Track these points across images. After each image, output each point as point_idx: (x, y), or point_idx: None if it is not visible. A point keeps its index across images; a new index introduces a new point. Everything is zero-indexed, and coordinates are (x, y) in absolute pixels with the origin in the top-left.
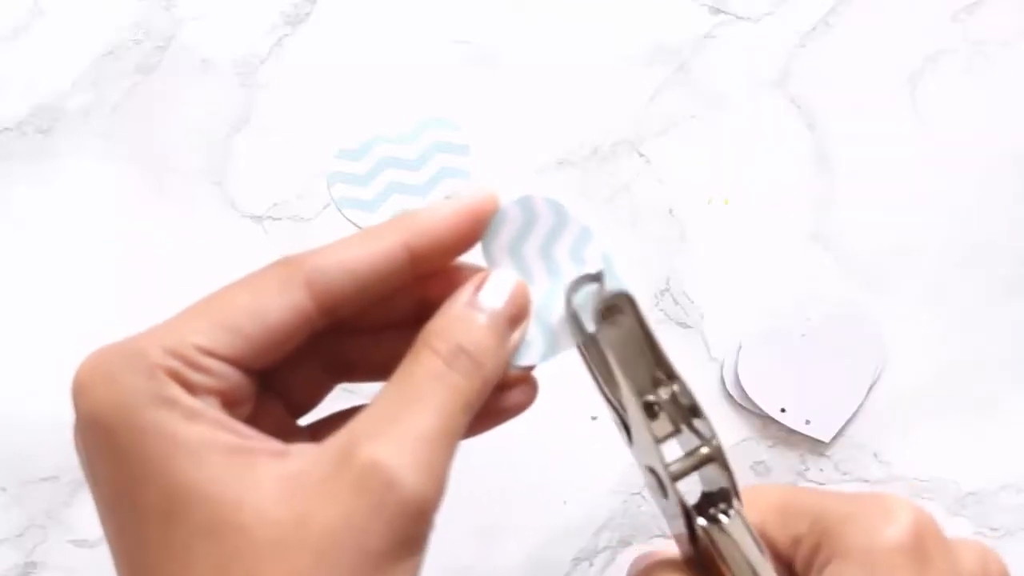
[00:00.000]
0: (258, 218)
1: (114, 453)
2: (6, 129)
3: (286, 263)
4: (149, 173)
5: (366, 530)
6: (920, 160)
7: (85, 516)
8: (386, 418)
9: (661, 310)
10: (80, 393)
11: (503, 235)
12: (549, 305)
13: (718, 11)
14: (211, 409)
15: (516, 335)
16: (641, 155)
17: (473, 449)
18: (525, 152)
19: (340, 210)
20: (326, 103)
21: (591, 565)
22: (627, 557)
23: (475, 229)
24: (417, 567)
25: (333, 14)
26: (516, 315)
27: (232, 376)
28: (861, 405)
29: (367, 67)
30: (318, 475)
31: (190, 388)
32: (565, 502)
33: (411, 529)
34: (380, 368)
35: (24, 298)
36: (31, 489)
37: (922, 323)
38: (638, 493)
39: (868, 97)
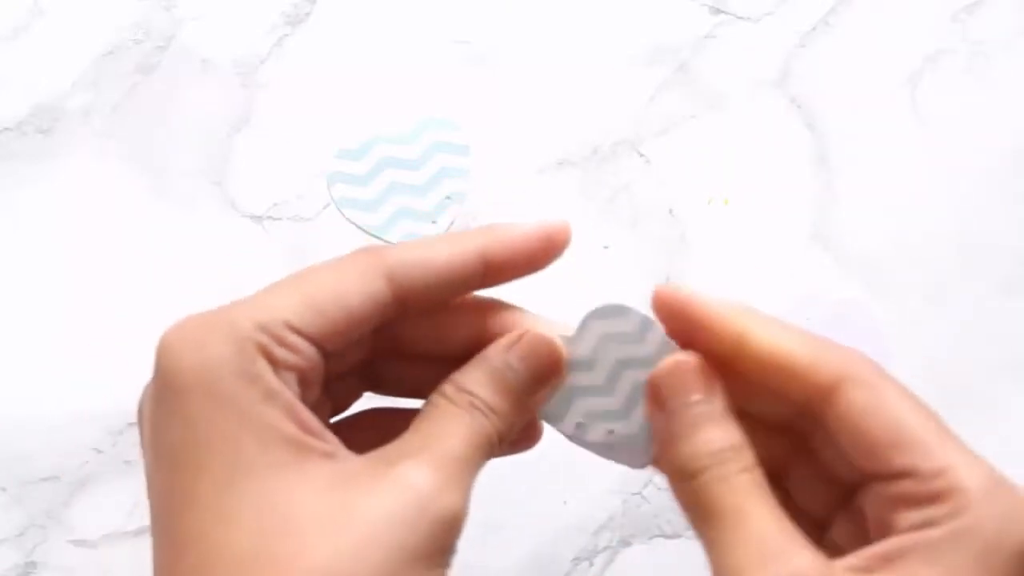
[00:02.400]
0: (258, 218)
1: (187, 415)
2: (6, 129)
3: (370, 252)
4: (149, 173)
5: (408, 528)
6: (920, 160)
7: (85, 516)
8: (421, 446)
9: None
10: (166, 354)
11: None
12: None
13: (718, 11)
14: (285, 392)
15: (543, 392)
16: (641, 155)
17: None
18: (525, 152)
19: (340, 210)
20: (326, 103)
21: (591, 565)
22: (627, 557)
23: (548, 249)
24: None
25: (333, 14)
26: (543, 376)
27: (312, 355)
28: None
29: (367, 67)
30: (364, 476)
31: (275, 363)
32: (565, 502)
33: (445, 537)
34: (412, 389)
35: (24, 298)
36: (31, 489)
37: (922, 323)
38: (638, 493)
39: (868, 97)
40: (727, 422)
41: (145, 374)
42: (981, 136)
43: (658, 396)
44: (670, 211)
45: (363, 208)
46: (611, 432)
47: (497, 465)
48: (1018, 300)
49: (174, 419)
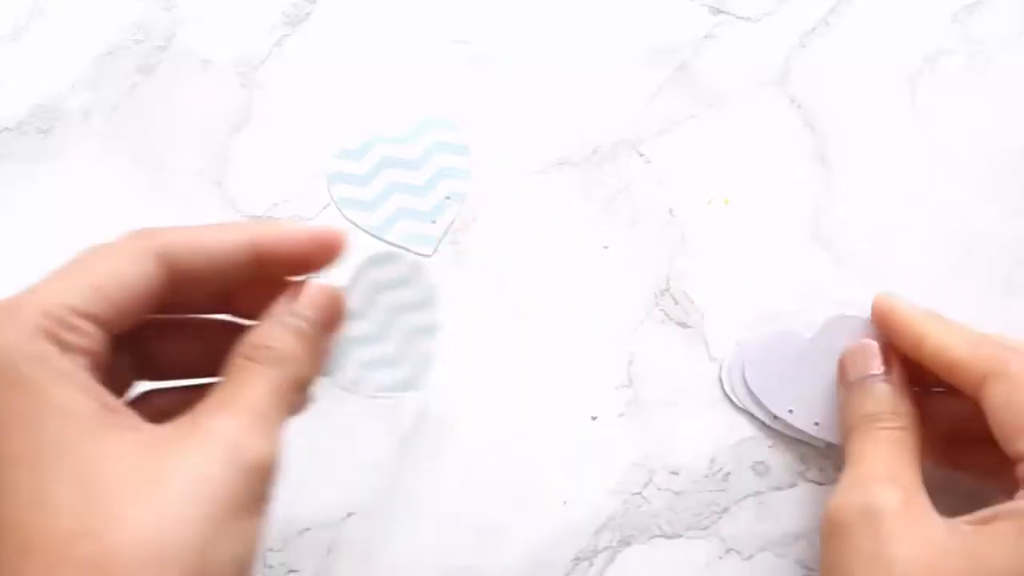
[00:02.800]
0: (258, 218)
1: None
2: (6, 129)
3: (140, 235)
4: (149, 173)
5: (221, 480)
6: (920, 160)
7: None
8: (224, 400)
9: (661, 310)
10: None
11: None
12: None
13: (718, 11)
14: (80, 372)
15: (333, 336)
16: (641, 155)
17: (473, 449)
18: (525, 152)
19: (340, 210)
20: (326, 103)
21: (591, 565)
22: (627, 557)
23: (318, 257)
24: (260, 527)
25: (333, 14)
26: (331, 319)
27: (99, 337)
28: None
29: (367, 67)
30: (172, 438)
31: (63, 347)
32: (565, 502)
33: (260, 485)
34: (185, 368)
35: None
36: None
37: None
38: (638, 493)
39: (868, 97)
40: (892, 393)
41: None
42: (981, 136)
43: (843, 371)
44: (670, 211)
45: (363, 208)
46: (385, 382)
47: (497, 465)
48: (1017, 300)
49: None
